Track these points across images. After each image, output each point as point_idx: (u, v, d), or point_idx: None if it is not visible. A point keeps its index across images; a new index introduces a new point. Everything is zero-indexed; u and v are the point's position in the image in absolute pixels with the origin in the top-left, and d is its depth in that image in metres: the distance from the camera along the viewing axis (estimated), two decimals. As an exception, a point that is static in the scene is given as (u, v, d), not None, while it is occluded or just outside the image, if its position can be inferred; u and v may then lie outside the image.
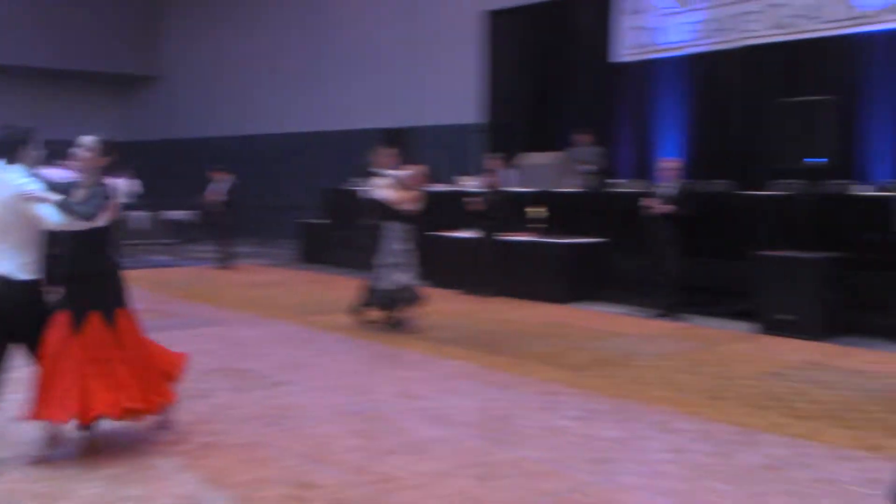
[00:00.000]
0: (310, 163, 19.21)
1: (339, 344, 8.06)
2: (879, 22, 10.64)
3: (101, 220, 4.75)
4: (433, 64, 16.72)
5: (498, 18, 15.33)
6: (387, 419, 5.54)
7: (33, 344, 4.72)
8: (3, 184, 4.60)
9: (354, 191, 8.77)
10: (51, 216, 4.58)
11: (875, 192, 9.51)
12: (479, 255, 11.15)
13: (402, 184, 8.49)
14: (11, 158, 4.68)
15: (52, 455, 4.77)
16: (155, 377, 5.01)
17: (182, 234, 18.36)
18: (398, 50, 17.45)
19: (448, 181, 13.61)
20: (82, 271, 4.79)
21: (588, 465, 4.69)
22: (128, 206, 16.16)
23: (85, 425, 4.79)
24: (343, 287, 10.91)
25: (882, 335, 8.15)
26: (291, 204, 18.79)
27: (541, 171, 11.89)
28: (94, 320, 4.75)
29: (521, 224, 11.48)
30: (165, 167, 22.98)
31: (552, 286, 10.71)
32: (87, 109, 25.01)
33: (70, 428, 4.86)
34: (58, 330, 4.69)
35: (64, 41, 22.50)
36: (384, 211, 8.48)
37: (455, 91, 16.25)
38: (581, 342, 8.20)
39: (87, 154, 4.84)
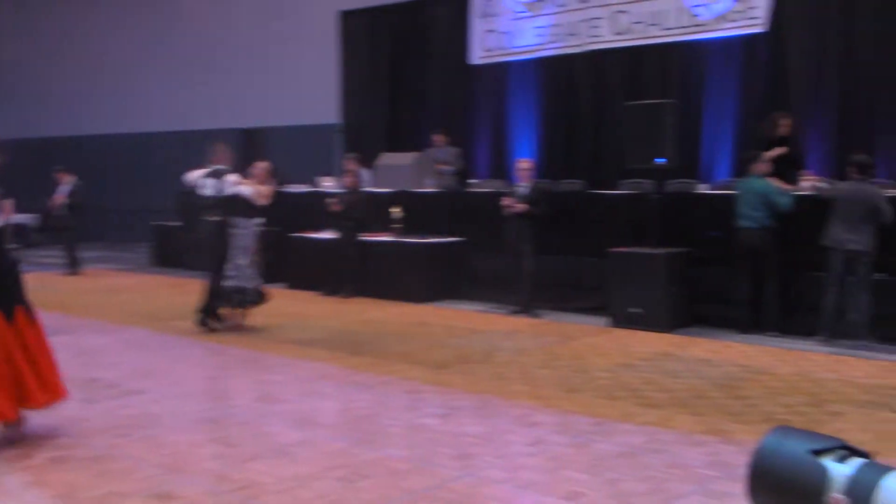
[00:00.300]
0: (165, 163, 18.55)
1: (195, 349, 7.84)
2: (716, 30, 11.26)
3: None
4: (290, 64, 16.49)
5: (352, 18, 15.30)
6: (248, 424, 5.43)
7: None
8: None
9: (195, 189, 8.68)
10: None
11: (715, 190, 10.08)
12: (339, 255, 11.09)
13: (251, 180, 8.62)
14: None
15: None
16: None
17: (24, 238, 17.36)
18: (256, 49, 17.11)
19: (307, 182, 13.47)
20: None
21: (451, 462, 4.75)
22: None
23: None
24: (197, 291, 10.59)
25: (724, 325, 8.63)
26: (146, 206, 18.11)
27: (399, 172, 11.93)
28: None
29: (381, 224, 11.50)
30: (4, 169, 21.69)
31: (412, 286, 10.77)
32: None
33: None
34: None
35: None
36: (236, 207, 8.49)
37: (312, 91, 16.09)
38: (442, 340, 8.29)
39: None
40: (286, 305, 10.43)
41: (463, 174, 12.26)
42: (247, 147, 13.89)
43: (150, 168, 18.74)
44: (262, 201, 8.66)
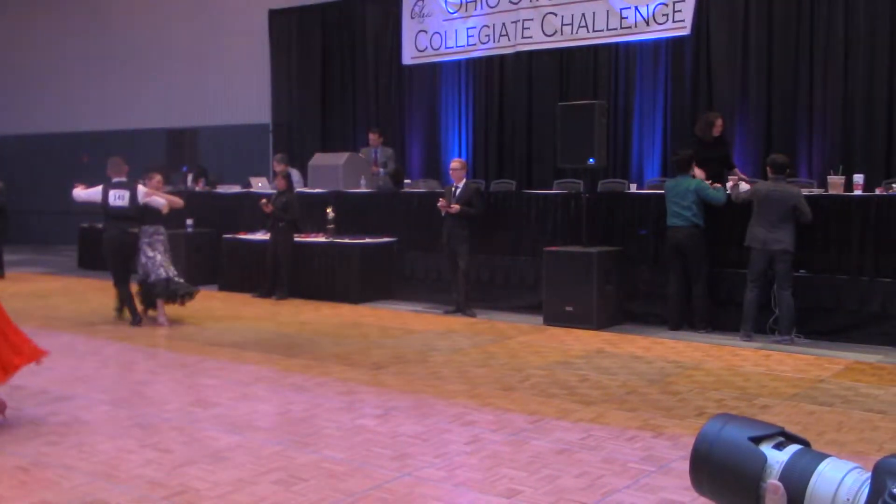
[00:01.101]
0: (92, 164, 18.11)
1: (125, 354, 7.68)
2: (643, 33, 11.47)
3: None
4: (220, 63, 16.25)
5: (282, 17, 15.16)
6: (181, 429, 5.34)
7: None
8: None
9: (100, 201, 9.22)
10: None
11: (645, 190, 10.27)
12: (272, 256, 10.99)
13: (151, 189, 9.30)
14: None
15: None
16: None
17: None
18: (187, 47, 16.80)
19: (239, 183, 13.31)
20: None
21: (389, 462, 4.75)
22: None
23: None
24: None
25: (654, 322, 8.80)
26: (71, 208, 17.63)
27: (331, 172, 11.86)
28: None
29: (314, 225, 11.42)
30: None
31: (346, 286, 10.73)
32: None
33: None
34: None
35: None
36: (149, 215, 9.16)
37: (243, 91, 15.90)
38: (377, 341, 8.27)
39: None
40: (219, 308, 10.30)
41: (396, 174, 12.26)
42: (176, 147, 13.63)
43: (77, 169, 18.26)
44: (171, 209, 9.38)
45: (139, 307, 9.28)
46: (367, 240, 10.95)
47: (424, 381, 6.64)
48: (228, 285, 11.70)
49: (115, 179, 9.26)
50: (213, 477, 4.50)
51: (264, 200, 10.98)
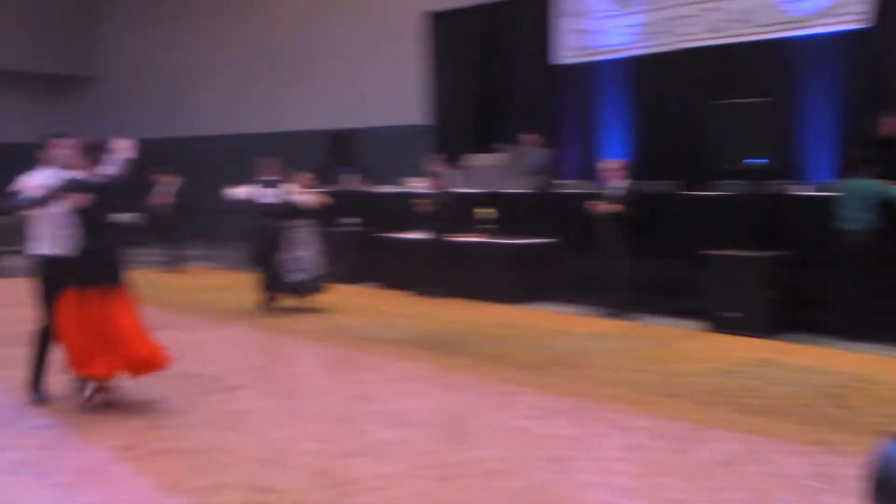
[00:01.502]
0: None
1: (292, 347, 7.99)
2: (809, 27, 10.90)
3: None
4: (377, 65, 16.67)
5: (440, 19, 15.34)
6: (344, 422, 5.51)
7: None
8: None
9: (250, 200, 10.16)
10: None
11: (814, 191, 9.75)
12: (429, 256, 11.16)
13: (299, 188, 9.96)
14: None
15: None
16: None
17: (127, 236, 17.98)
18: (343, 50, 17.35)
19: (395, 183, 13.60)
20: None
21: (545, 464, 4.72)
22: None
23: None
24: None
25: (825, 331, 8.34)
26: (239, 207, 18.53)
27: (487, 172, 11.93)
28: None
29: (470, 225, 11.52)
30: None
31: (502, 286, 10.75)
32: (21, 111, 24.39)
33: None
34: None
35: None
36: (296, 212, 9.76)
37: (400, 92, 16.22)
38: (534, 342, 8.25)
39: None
40: (379, 305, 10.56)
41: (551, 174, 12.17)
42: (337, 148, 14.07)
43: (246, 169, 19.19)
44: (315, 206, 9.97)
45: (276, 298, 9.87)
46: (523, 240, 10.94)
47: (581, 384, 6.56)
48: (388, 283, 11.98)
49: (266, 178, 9.96)
50: (373, 469, 4.61)
51: (421, 200, 11.16)
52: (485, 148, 13.69)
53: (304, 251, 9.73)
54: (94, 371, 5.62)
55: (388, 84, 16.38)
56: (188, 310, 10.16)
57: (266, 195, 9.90)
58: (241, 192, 10.16)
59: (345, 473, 4.55)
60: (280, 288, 9.86)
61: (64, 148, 5.80)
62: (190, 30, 20.98)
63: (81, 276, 5.63)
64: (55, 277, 5.69)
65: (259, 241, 9.91)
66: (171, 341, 8.12)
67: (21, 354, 7.16)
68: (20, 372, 6.27)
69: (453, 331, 8.85)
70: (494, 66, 14.58)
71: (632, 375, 6.81)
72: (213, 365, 7.17)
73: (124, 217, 17.48)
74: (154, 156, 17.05)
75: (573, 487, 4.40)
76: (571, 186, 11.58)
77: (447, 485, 4.40)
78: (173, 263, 13.97)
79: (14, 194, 5.67)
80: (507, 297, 10.61)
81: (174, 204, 14.11)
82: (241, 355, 7.61)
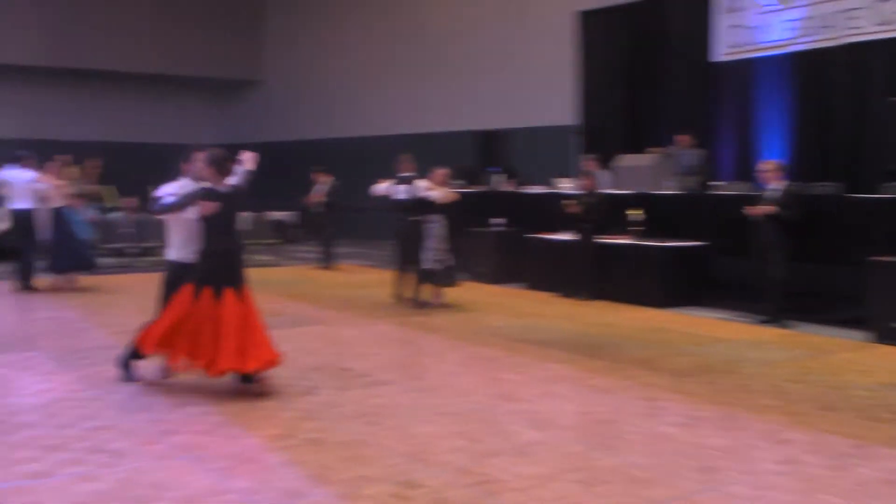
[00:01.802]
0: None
1: (437, 345, 8.10)
2: None
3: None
4: (528, 65, 16.65)
5: (590, 18, 15.15)
6: (488, 421, 5.54)
7: None
8: None
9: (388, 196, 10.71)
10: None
11: None
12: (576, 257, 11.05)
13: (434, 184, 10.25)
14: None
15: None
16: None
17: (284, 234, 18.74)
18: (495, 52, 17.43)
19: (543, 183, 13.55)
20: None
21: (694, 474, 4.59)
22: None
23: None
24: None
25: None
26: (384, 204, 18.96)
27: (638, 173, 11.71)
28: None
29: (619, 226, 11.34)
30: (267, 169, 23.47)
31: (651, 290, 10.53)
32: (186, 113, 25.86)
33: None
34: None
35: (168, 48, 23.27)
36: (426, 207, 10.14)
37: (551, 93, 16.15)
38: (682, 347, 8.04)
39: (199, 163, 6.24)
40: (523, 306, 10.56)
41: (705, 175, 11.81)
42: (486, 148, 14.15)
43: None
44: (445, 202, 10.20)
45: (412, 289, 10.27)
46: (674, 243, 10.68)
47: (732, 392, 6.34)
48: (533, 284, 11.96)
49: (402, 175, 10.48)
50: (516, 469, 4.61)
51: (569, 201, 11.07)
52: (636, 148, 13.45)
53: (435, 245, 10.05)
54: (190, 366, 6.04)
55: (539, 84, 16.34)
56: (339, 306, 10.47)
57: (399, 191, 10.42)
58: (380, 188, 10.73)
59: (488, 472, 4.57)
60: (417, 279, 10.25)
61: (198, 160, 6.26)
62: (349, 36, 21.62)
63: (203, 277, 6.00)
64: (180, 280, 6.12)
65: (397, 235, 10.50)
66: (322, 336, 8.45)
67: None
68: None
69: (599, 334, 8.74)
70: (647, 64, 14.28)
71: (786, 386, 6.53)
72: (361, 360, 7.36)
73: (281, 216, 18.30)
74: (315, 156, 17.75)
75: (723, 500, 4.25)
76: (726, 188, 11.19)
77: (590, 489, 4.35)
78: (325, 260, 14.44)
79: (154, 200, 6.23)
80: (656, 300, 10.38)
81: (327, 203, 14.56)
82: (389, 351, 7.78)
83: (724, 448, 5.03)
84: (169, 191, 6.29)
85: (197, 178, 6.32)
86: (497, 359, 7.48)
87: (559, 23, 15.65)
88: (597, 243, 11.01)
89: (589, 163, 12.26)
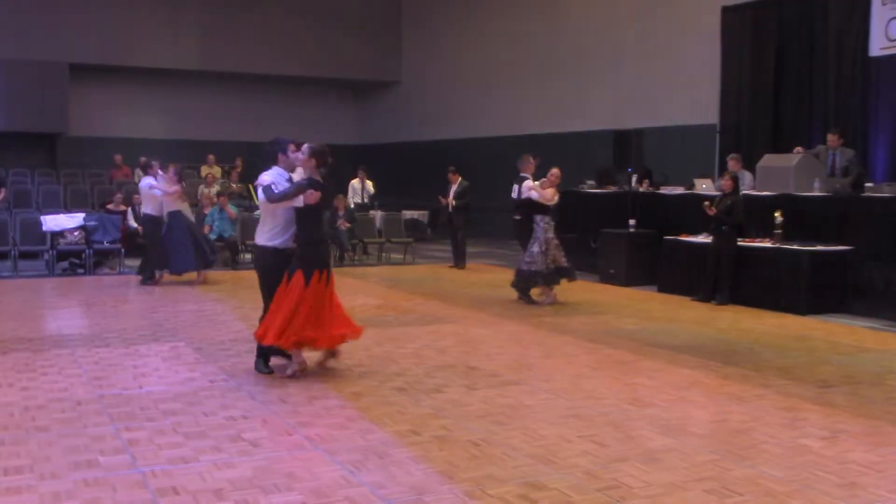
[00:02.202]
0: (543, 165, 19.31)
1: (567, 346, 8.03)
2: None
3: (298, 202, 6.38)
4: (668, 63, 16.25)
5: (735, 14, 14.65)
6: (617, 425, 5.45)
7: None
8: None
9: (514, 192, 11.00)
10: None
11: None
12: (713, 260, 10.73)
13: (544, 185, 10.47)
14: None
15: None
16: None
17: (416, 233, 19.01)
18: (633, 49, 17.10)
19: (684, 184, 13.21)
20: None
21: (835, 489, 4.38)
22: (363, 206, 17.01)
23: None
24: (571, 290, 10.87)
25: None
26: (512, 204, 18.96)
27: (781, 174, 11.24)
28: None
29: (761, 229, 10.93)
30: (400, 169, 23.92)
31: (792, 296, 10.11)
32: (325, 114, 26.63)
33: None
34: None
35: (310, 51, 24.01)
36: (532, 207, 10.41)
37: (690, 91, 15.73)
38: (825, 356, 7.68)
39: (302, 157, 6.57)
40: (656, 309, 10.34)
41: (855, 176, 11.23)
42: (623, 148, 13.90)
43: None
44: (549, 203, 10.41)
45: (522, 288, 10.56)
46: (820, 247, 10.21)
47: (880, 405, 6.01)
48: (667, 287, 11.70)
49: (521, 175, 10.80)
50: (645, 476, 4.52)
51: (708, 202, 10.76)
52: (782, 148, 12.93)
53: (539, 245, 10.26)
54: (311, 344, 6.53)
55: (680, 82, 15.94)
56: (470, 305, 10.53)
57: (514, 190, 10.82)
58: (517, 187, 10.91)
59: (615, 477, 4.50)
60: (521, 279, 10.53)
61: (298, 152, 6.61)
62: (484, 35, 21.72)
63: (313, 262, 6.44)
64: (280, 265, 6.48)
65: (517, 236, 10.98)
66: (453, 334, 8.52)
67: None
68: (315, 354, 6.84)
69: (736, 340, 8.46)
70: (795, 60, 13.70)
71: (941, 401, 6.13)
72: (490, 360, 7.39)
73: (414, 214, 18.55)
74: (449, 156, 17.94)
75: (866, 518, 4.04)
76: (879, 189, 10.61)
77: (721, 500, 4.22)
78: (458, 260, 14.55)
79: (269, 187, 6.39)
80: (798, 307, 9.96)
81: (459, 203, 14.66)
82: (518, 351, 7.77)
83: (869, 464, 4.77)
84: (267, 180, 6.49)
85: (289, 168, 6.65)
86: (628, 362, 7.36)
87: (702, 18, 15.23)
88: (737, 246, 10.65)
89: (731, 163, 11.88)
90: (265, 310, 6.61)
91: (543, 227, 10.30)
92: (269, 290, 6.59)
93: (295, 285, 6.36)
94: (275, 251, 6.59)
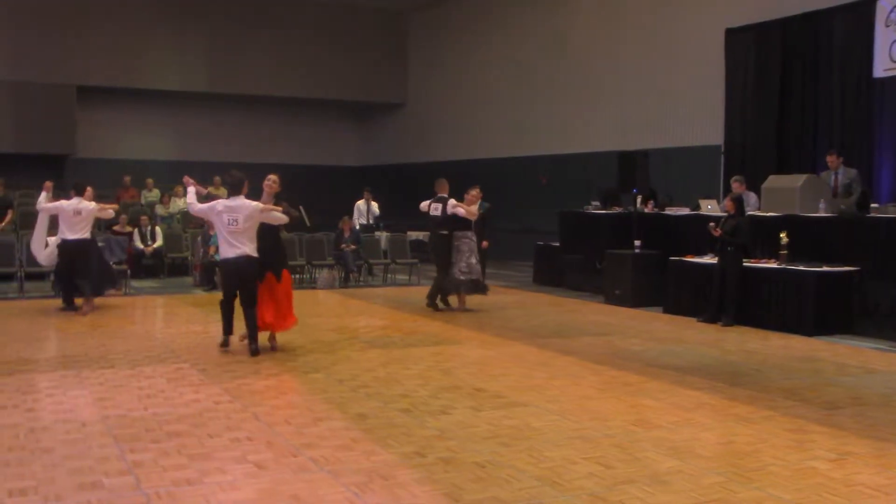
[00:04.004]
0: (547, 186, 19.38)
1: (573, 368, 8.01)
2: None
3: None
4: (672, 85, 16.32)
5: (739, 35, 14.71)
6: (623, 447, 5.42)
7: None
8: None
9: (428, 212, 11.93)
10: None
11: None
12: (719, 281, 10.71)
13: (468, 202, 11.61)
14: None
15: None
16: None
17: (421, 254, 19.01)
18: (637, 71, 17.16)
19: (689, 205, 13.22)
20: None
21: (844, 512, 4.35)
22: (369, 227, 17.03)
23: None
24: (576, 311, 10.87)
25: None
26: (527, 227, 19.01)
27: (786, 195, 11.25)
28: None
29: (766, 250, 10.92)
30: (405, 190, 23.97)
31: (799, 317, 10.09)
32: (330, 136, 26.75)
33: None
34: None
35: (316, 73, 24.15)
36: (459, 223, 11.45)
37: (694, 112, 15.79)
38: (832, 378, 7.65)
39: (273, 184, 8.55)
40: (662, 330, 10.32)
41: (858, 197, 11.23)
42: (627, 169, 13.92)
43: (535, 190, 19.62)
44: (473, 218, 11.57)
45: (444, 299, 11.77)
46: (825, 268, 10.19)
47: (888, 427, 5.98)
48: (673, 308, 11.68)
49: (439, 195, 11.72)
50: (651, 499, 4.50)
51: (713, 223, 10.76)
52: (786, 169, 12.94)
53: (461, 257, 11.38)
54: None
55: (685, 103, 16.00)
56: (475, 326, 10.52)
57: (433, 208, 11.73)
58: (424, 204, 11.99)
59: (621, 499, 4.47)
60: (444, 289, 11.68)
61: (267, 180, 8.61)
62: (489, 58, 21.84)
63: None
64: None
65: (431, 249, 12.00)
66: (458, 355, 8.51)
67: (312, 360, 7.81)
68: (321, 375, 6.83)
69: (742, 361, 8.44)
70: (799, 81, 13.73)
71: (950, 422, 6.10)
72: (496, 381, 7.37)
73: (419, 236, 18.55)
74: (452, 177, 17.93)
75: (874, 541, 4.01)
76: (885, 210, 10.61)
77: (730, 523, 4.19)
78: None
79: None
80: (804, 328, 9.94)
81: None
82: (523, 373, 7.75)
83: (878, 486, 4.74)
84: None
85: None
86: (634, 384, 7.33)
87: (706, 40, 15.29)
88: (742, 267, 10.64)
89: (734, 185, 11.89)
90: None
91: (464, 241, 11.42)
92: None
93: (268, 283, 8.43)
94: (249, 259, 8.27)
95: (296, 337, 9.27)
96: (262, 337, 8.53)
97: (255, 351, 8.24)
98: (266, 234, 8.39)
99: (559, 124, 19.32)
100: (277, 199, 8.57)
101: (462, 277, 11.36)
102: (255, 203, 8.23)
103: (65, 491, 4.49)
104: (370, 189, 18.38)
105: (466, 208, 11.46)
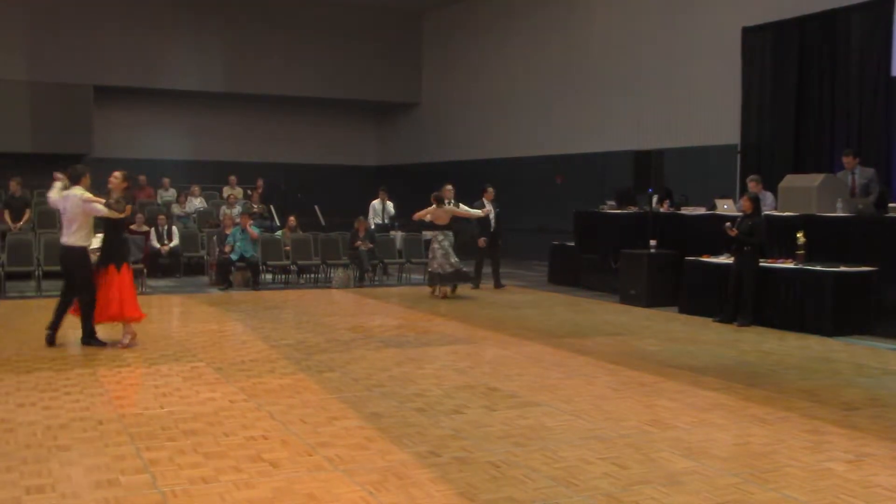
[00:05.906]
0: (562, 185, 19.34)
1: (588, 368, 7.99)
2: None
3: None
4: (689, 84, 16.25)
5: (756, 34, 14.63)
6: (638, 447, 5.41)
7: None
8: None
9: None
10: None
11: None
12: (735, 281, 10.65)
13: (438, 205, 13.25)
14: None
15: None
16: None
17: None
18: (654, 70, 17.10)
19: (705, 205, 13.16)
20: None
21: (861, 514, 4.32)
22: (384, 226, 17.05)
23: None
24: (591, 311, 10.85)
25: None
26: (542, 226, 18.97)
27: (803, 194, 11.18)
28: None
29: (783, 250, 10.86)
30: (420, 189, 23.96)
31: (816, 317, 10.02)
32: (346, 135, 26.80)
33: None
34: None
35: (331, 73, 24.18)
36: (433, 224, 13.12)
37: (711, 112, 15.71)
38: (851, 379, 7.60)
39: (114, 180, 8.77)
40: (677, 330, 10.28)
41: (877, 197, 11.14)
42: (643, 169, 13.88)
43: (551, 189, 19.58)
44: (442, 221, 13.23)
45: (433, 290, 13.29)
46: (843, 268, 10.12)
47: (905, 428, 5.93)
48: (688, 308, 11.63)
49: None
50: (666, 499, 4.48)
51: (729, 223, 10.71)
52: (803, 168, 12.86)
53: (438, 253, 13.09)
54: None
55: (702, 102, 15.92)
56: (490, 325, 10.51)
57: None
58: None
59: (636, 500, 4.46)
60: (432, 281, 13.23)
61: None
62: (503, 57, 21.82)
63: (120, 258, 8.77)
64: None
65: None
66: (473, 355, 8.50)
67: (327, 360, 7.83)
68: (336, 374, 6.84)
69: (758, 361, 8.39)
70: (816, 80, 13.64)
71: (969, 424, 6.04)
72: (510, 380, 7.36)
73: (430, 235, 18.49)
74: (467, 177, 17.94)
75: (892, 543, 3.98)
76: (900, 210, 10.53)
77: (746, 524, 4.17)
78: (497, 280, 14.51)
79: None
80: (821, 328, 9.88)
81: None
82: (537, 372, 7.74)
83: (895, 488, 4.70)
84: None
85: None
86: (649, 384, 7.30)
87: (723, 39, 15.21)
88: (759, 267, 10.58)
89: (751, 184, 11.82)
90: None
91: (443, 239, 13.27)
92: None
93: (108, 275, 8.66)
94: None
95: (310, 336, 9.29)
96: (115, 331, 8.94)
97: (50, 339, 8.69)
98: (109, 228, 8.75)
99: (574, 124, 19.27)
100: (126, 197, 8.81)
101: (438, 270, 13.18)
102: (80, 194, 8.52)
103: (81, 489, 4.52)
104: (385, 189, 18.39)
105: (437, 211, 13.29)
